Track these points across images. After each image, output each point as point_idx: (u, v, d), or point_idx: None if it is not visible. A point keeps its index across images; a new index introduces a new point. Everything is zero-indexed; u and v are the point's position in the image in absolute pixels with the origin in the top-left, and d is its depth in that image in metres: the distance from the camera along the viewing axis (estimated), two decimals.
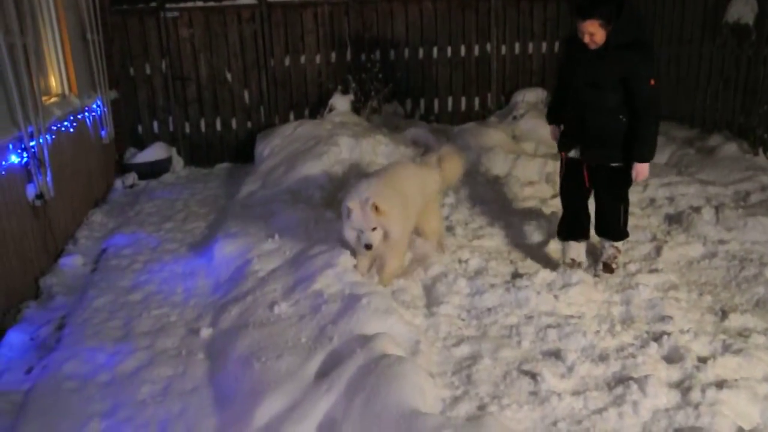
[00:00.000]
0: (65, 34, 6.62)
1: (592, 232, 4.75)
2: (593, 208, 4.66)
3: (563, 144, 4.59)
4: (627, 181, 4.40)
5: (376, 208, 4.08)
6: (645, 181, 6.39)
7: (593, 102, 4.26)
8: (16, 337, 4.13)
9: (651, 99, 4.12)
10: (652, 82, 4.10)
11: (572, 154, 4.53)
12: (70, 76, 6.72)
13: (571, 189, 4.65)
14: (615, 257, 4.66)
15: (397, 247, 4.43)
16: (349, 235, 4.26)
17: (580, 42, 4.16)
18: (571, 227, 4.72)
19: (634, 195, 6.12)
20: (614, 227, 4.58)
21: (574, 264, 4.64)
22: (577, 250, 4.71)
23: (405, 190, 4.47)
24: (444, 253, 4.92)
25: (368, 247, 4.18)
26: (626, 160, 4.29)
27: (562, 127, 4.67)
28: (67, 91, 6.64)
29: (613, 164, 4.35)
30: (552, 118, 4.80)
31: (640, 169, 4.26)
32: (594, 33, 4.06)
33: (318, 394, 3.05)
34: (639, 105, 4.13)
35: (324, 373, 3.24)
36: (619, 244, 4.67)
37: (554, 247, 5.02)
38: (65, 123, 6.06)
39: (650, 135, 4.20)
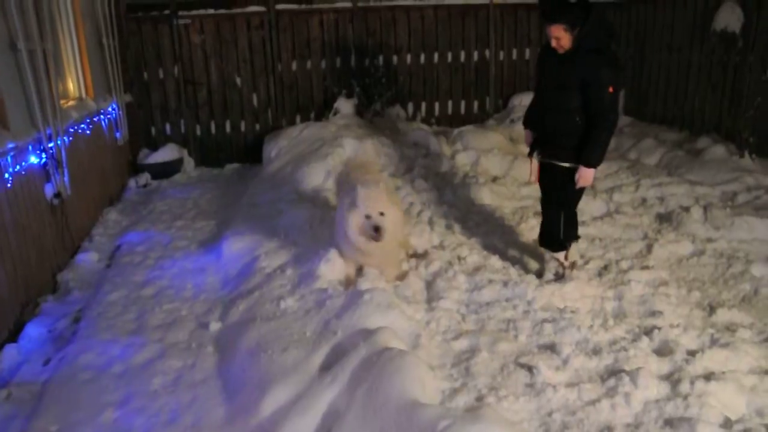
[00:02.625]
0: (83, 40, 6.62)
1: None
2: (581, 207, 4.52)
3: (531, 149, 4.44)
4: (574, 186, 4.18)
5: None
6: (636, 182, 6.42)
7: (555, 103, 4.13)
8: (34, 329, 4.13)
9: (607, 105, 3.95)
10: (611, 89, 3.93)
11: (535, 157, 4.40)
12: (87, 80, 6.72)
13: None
14: (560, 270, 4.43)
15: (393, 253, 4.33)
16: (355, 225, 4.01)
17: (551, 47, 4.08)
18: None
19: (626, 195, 6.13)
20: (554, 236, 4.35)
21: (574, 266, 4.51)
22: (574, 249, 4.53)
23: None
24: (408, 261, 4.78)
25: (378, 229, 3.91)
26: (577, 161, 4.10)
27: None
28: (84, 95, 6.64)
29: (562, 164, 4.17)
30: (528, 122, 4.57)
31: (584, 173, 4.07)
32: (560, 37, 3.96)
33: (322, 385, 3.05)
34: (595, 110, 3.97)
35: (328, 365, 3.23)
36: (560, 255, 4.42)
37: None
38: (82, 125, 6.05)
39: (601, 141, 4.01)
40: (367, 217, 3.98)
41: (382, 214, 3.99)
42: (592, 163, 4.06)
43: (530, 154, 4.47)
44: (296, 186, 6.50)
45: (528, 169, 4.62)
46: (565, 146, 4.14)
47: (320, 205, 5.88)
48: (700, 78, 7.67)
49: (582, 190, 4.30)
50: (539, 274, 4.50)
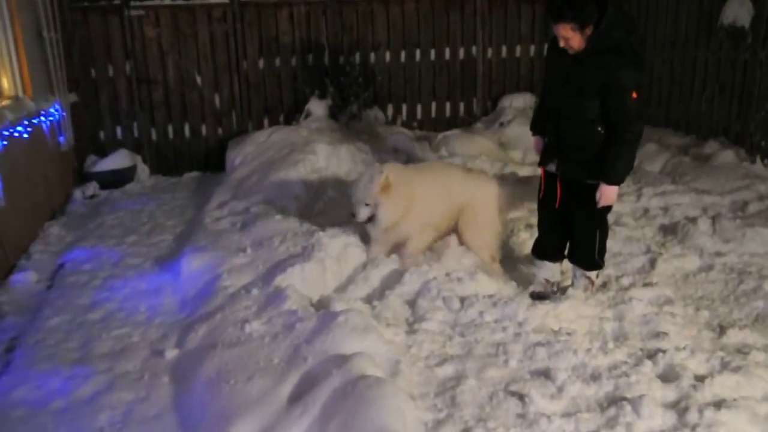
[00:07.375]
0: (18, 31, 6.54)
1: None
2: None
3: (543, 157, 4.38)
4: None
5: (383, 186, 4.60)
6: (638, 190, 6.51)
7: (570, 111, 4.03)
8: None
9: (631, 113, 3.84)
10: (635, 94, 3.82)
11: (549, 168, 4.31)
12: (24, 76, 6.64)
13: (545, 207, 4.47)
14: (588, 288, 4.48)
15: (415, 234, 4.91)
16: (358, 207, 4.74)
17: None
18: (543, 247, 4.59)
19: (627, 205, 6.21)
20: (587, 255, 4.37)
21: (547, 285, 4.58)
22: (551, 270, 4.59)
23: (428, 186, 4.90)
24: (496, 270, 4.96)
25: (353, 215, 4.75)
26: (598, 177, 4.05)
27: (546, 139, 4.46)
28: (20, 93, 6.56)
29: (590, 181, 4.09)
30: (536, 128, 4.54)
31: (606, 191, 4.00)
32: (568, 37, 3.84)
33: (291, 418, 3.03)
34: (616, 119, 3.87)
35: (298, 396, 3.22)
36: (592, 274, 4.46)
37: None
38: (19, 128, 5.98)
39: (623, 155, 3.92)
40: (366, 204, 4.69)
41: (367, 204, 4.69)
42: (614, 180, 3.99)
43: (541, 164, 4.40)
44: (263, 196, 6.49)
45: (539, 182, 4.58)
46: (588, 161, 4.06)
47: (290, 217, 5.86)
48: (707, 77, 7.82)
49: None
50: (563, 291, 4.54)
